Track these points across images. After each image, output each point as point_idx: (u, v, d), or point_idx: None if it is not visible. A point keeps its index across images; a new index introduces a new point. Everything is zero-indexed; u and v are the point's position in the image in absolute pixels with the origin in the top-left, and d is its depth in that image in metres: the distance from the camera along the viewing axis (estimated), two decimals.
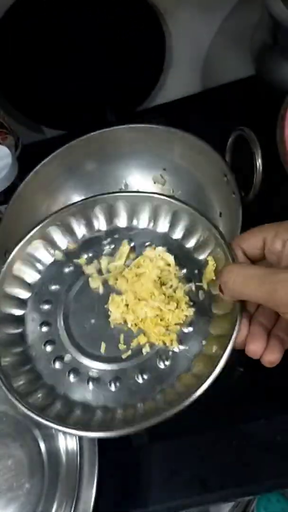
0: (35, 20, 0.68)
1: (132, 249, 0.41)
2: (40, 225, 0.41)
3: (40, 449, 0.57)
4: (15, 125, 0.76)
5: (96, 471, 0.51)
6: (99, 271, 0.41)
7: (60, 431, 0.37)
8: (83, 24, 0.68)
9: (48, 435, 0.57)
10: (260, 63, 0.64)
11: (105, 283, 0.40)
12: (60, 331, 0.39)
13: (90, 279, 0.41)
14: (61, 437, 0.56)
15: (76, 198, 0.62)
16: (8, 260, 0.40)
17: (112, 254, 0.41)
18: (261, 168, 0.47)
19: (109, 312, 0.39)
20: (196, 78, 0.77)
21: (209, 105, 0.74)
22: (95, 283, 0.40)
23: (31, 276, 0.42)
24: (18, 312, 0.41)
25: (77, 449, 0.52)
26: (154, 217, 0.40)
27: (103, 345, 0.38)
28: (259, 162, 0.47)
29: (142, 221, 0.41)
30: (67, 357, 0.39)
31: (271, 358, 0.33)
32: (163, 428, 0.54)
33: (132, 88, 0.76)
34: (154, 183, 0.62)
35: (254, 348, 0.33)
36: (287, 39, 0.57)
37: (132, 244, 0.41)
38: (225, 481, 0.51)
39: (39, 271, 0.42)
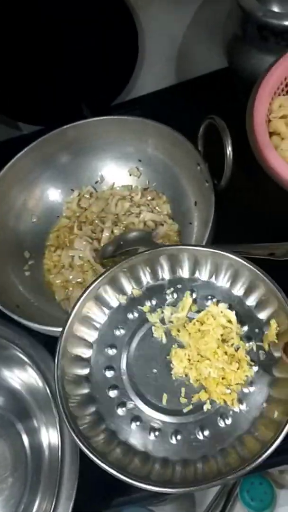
0: (6, 16, 0.68)
1: (194, 301, 0.41)
2: (110, 271, 0.41)
3: (23, 443, 0.57)
4: None
5: (78, 462, 0.51)
6: (162, 320, 0.41)
7: (121, 479, 0.36)
8: (56, 20, 0.68)
9: (31, 429, 0.57)
10: (231, 54, 0.65)
11: (167, 333, 0.41)
12: (124, 377, 0.40)
13: (153, 328, 0.41)
14: (43, 431, 0.56)
15: (52, 191, 0.62)
16: (79, 302, 0.40)
17: (174, 304, 0.41)
18: (231, 155, 0.48)
19: (171, 364, 0.40)
20: (170, 71, 0.78)
21: (183, 97, 0.74)
22: (158, 333, 0.41)
23: (98, 318, 0.42)
24: (85, 354, 0.41)
25: (58, 442, 0.52)
26: (216, 271, 0.41)
27: (164, 397, 0.39)
28: (229, 150, 0.48)
29: (205, 274, 0.41)
30: (130, 404, 0.39)
31: None
32: None
33: (106, 82, 0.76)
34: (130, 175, 0.62)
35: None
36: (257, 30, 0.58)
37: (194, 296, 0.41)
38: None
39: (105, 314, 0.42)
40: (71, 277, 0.57)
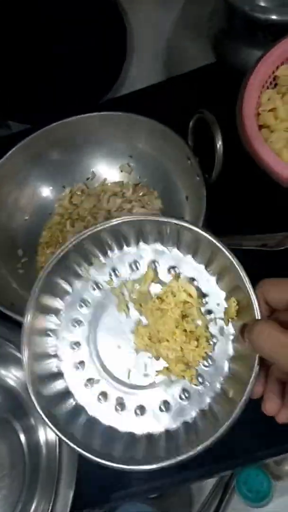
0: None
1: (157, 272, 0.40)
2: (73, 241, 0.39)
3: (20, 442, 0.57)
4: None
5: (76, 458, 0.52)
6: (125, 294, 0.41)
7: (86, 456, 0.37)
8: (43, 18, 0.68)
9: (28, 427, 0.57)
10: (219, 49, 0.66)
11: (131, 307, 0.41)
12: (90, 352, 0.40)
13: (116, 301, 0.41)
14: (40, 429, 0.56)
15: (44, 189, 0.62)
16: (45, 273, 0.39)
17: (137, 276, 0.41)
18: (221, 149, 0.48)
19: (134, 340, 0.40)
20: (158, 68, 0.78)
21: (172, 93, 0.74)
22: (121, 307, 0.40)
23: (63, 293, 0.41)
24: (51, 331, 0.41)
25: (56, 439, 0.52)
26: (178, 242, 0.40)
27: (129, 372, 0.39)
28: (219, 143, 0.48)
29: (168, 245, 0.40)
30: (96, 379, 0.40)
31: (286, 419, 0.34)
32: None
33: (95, 80, 0.76)
34: (121, 171, 0.63)
35: (270, 409, 0.34)
36: (244, 25, 0.58)
37: (156, 266, 0.41)
38: (206, 457, 0.52)
39: (69, 289, 0.41)
40: None
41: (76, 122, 0.59)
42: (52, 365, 0.40)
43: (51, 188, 0.62)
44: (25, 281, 0.58)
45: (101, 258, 0.41)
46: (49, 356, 0.40)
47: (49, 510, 0.49)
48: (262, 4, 0.64)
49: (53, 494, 0.50)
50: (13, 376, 0.59)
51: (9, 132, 0.82)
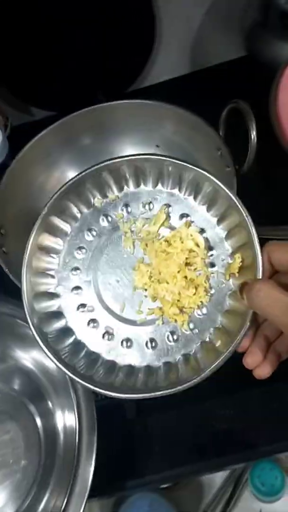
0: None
1: (169, 216, 0.41)
2: (92, 169, 0.40)
3: (36, 426, 0.57)
4: (3, 105, 0.75)
5: (95, 446, 0.51)
6: (134, 231, 0.41)
7: (87, 387, 0.38)
8: (72, 4, 0.67)
9: (45, 411, 0.57)
10: (251, 42, 0.65)
11: (136, 245, 0.41)
12: (87, 280, 0.41)
13: (123, 237, 0.41)
14: (58, 414, 0.56)
15: (71, 173, 0.62)
16: (55, 196, 0.41)
17: (148, 216, 0.41)
18: (255, 139, 0.48)
19: (134, 276, 0.41)
20: (186, 60, 0.77)
21: (201, 85, 0.74)
22: (127, 243, 0.41)
23: (71, 218, 0.42)
24: (53, 254, 0.42)
25: (76, 425, 0.51)
26: (195, 190, 0.40)
27: (123, 305, 0.40)
28: (253, 134, 0.48)
29: (185, 190, 0.41)
30: (89, 307, 0.41)
31: (263, 373, 0.36)
32: (159, 399, 0.55)
33: (121, 69, 0.76)
34: None
35: (251, 362, 0.36)
36: (278, 17, 0.58)
37: (170, 211, 0.41)
38: (221, 449, 0.52)
39: (79, 214, 0.42)
40: None
41: (106, 108, 0.58)
42: (49, 286, 0.41)
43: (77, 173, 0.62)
44: None
45: (116, 191, 0.41)
46: (47, 276, 0.41)
47: (67, 495, 0.49)
48: None
49: (71, 480, 0.49)
50: (31, 359, 0.59)
51: (32, 119, 0.82)
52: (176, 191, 0.41)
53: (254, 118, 0.48)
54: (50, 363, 0.55)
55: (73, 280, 0.41)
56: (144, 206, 0.41)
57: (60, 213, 0.41)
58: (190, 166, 0.38)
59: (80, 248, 0.42)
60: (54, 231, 0.41)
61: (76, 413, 0.51)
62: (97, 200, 0.42)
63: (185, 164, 0.39)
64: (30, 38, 0.70)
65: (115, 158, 0.39)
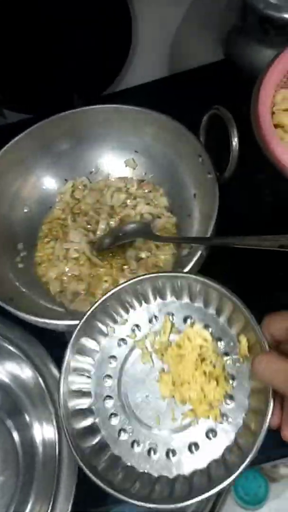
0: None
1: (173, 324, 0.43)
2: (99, 303, 0.43)
3: (13, 440, 0.55)
4: None
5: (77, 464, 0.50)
6: (148, 346, 0.43)
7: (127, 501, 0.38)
8: (47, 6, 0.65)
9: (22, 425, 0.55)
10: (229, 46, 0.65)
11: (154, 358, 0.43)
12: (121, 404, 0.42)
13: (140, 354, 0.43)
14: (36, 428, 0.55)
15: (46, 180, 0.60)
16: (74, 335, 0.42)
17: (156, 329, 0.44)
18: (237, 146, 0.47)
19: (159, 388, 0.42)
20: (163, 63, 0.76)
21: (180, 88, 0.73)
22: (146, 358, 0.43)
23: (92, 352, 0.44)
24: (85, 387, 0.43)
25: (55, 438, 0.50)
26: (190, 293, 0.43)
27: (157, 419, 0.41)
28: (235, 140, 0.47)
29: (182, 297, 0.43)
30: (129, 429, 0.42)
31: None
32: None
33: (98, 72, 0.74)
34: (126, 166, 0.61)
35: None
36: (257, 23, 0.58)
37: (173, 319, 0.43)
38: None
39: (97, 347, 0.44)
40: (66, 269, 0.56)
41: (83, 113, 0.57)
42: (87, 422, 0.42)
43: (53, 180, 0.61)
44: (25, 276, 0.56)
45: (124, 315, 0.44)
46: (84, 414, 0.42)
47: (50, 506, 0.48)
48: (277, 2, 0.63)
49: (53, 495, 0.48)
50: (6, 373, 0.57)
51: (5, 122, 0.80)
52: (173, 298, 0.44)
53: (235, 124, 0.47)
54: (26, 376, 0.54)
55: (107, 408, 0.42)
56: (150, 321, 0.44)
57: (80, 352, 0.43)
58: (176, 274, 0.42)
59: (106, 376, 0.43)
60: (78, 370, 0.43)
61: (55, 426, 0.50)
62: (109, 329, 0.44)
63: (170, 274, 0.42)
64: (1, 40, 0.68)
65: (115, 288, 0.42)
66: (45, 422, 0.54)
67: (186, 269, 0.47)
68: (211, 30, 0.68)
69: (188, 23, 0.71)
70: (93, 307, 0.42)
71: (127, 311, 0.44)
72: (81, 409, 0.42)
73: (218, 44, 0.67)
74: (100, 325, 0.44)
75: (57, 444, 0.50)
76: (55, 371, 0.53)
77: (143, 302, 0.44)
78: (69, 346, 0.42)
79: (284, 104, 0.50)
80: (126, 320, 0.44)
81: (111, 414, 0.42)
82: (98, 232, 0.57)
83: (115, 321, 0.44)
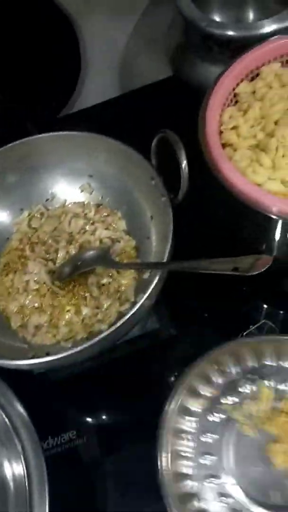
0: None
1: (271, 389, 0.41)
2: (183, 380, 0.42)
3: None
4: None
5: (47, 494, 0.49)
6: (247, 416, 0.41)
7: None
8: None
9: None
10: (176, 64, 0.65)
11: (256, 427, 0.40)
12: (230, 483, 0.39)
13: (241, 425, 0.41)
14: (6, 464, 0.53)
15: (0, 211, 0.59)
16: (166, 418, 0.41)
17: (253, 396, 0.41)
18: (187, 169, 0.47)
19: (270, 459, 0.39)
20: (114, 82, 0.76)
21: (130, 107, 0.73)
22: (247, 429, 0.40)
23: (188, 429, 0.42)
24: (186, 469, 0.41)
25: (24, 474, 0.49)
26: (279, 355, 0.41)
27: (272, 493, 0.38)
28: (184, 163, 0.47)
29: (271, 359, 0.42)
30: (242, 509, 0.39)
31: None
32: (115, 440, 0.53)
33: (50, 95, 0.74)
34: (82, 191, 0.60)
35: None
36: (201, 40, 0.58)
37: (270, 384, 0.41)
38: None
39: (192, 423, 0.42)
40: (27, 302, 0.55)
41: (34, 141, 0.56)
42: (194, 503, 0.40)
43: (7, 212, 0.59)
44: None
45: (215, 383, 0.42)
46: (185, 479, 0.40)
47: None
48: (218, 19, 0.64)
49: None
50: None
51: None
52: (265, 362, 0.42)
53: (183, 147, 0.47)
54: None
55: (214, 486, 0.40)
56: (244, 388, 0.42)
57: (178, 436, 0.41)
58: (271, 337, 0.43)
59: (207, 453, 0.41)
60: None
61: (23, 462, 0.48)
62: (200, 402, 0.42)
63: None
64: None
65: (196, 363, 0.42)
66: (13, 459, 0.52)
67: (147, 294, 0.46)
68: (158, 48, 0.68)
69: (135, 41, 0.72)
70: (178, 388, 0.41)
71: (213, 382, 0.42)
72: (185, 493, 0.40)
73: (166, 61, 0.68)
74: (190, 400, 0.42)
75: (26, 478, 0.48)
76: (20, 408, 0.51)
77: (231, 368, 0.42)
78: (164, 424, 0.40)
79: (231, 122, 0.50)
80: (216, 390, 0.42)
81: (220, 494, 0.39)
82: (58, 261, 0.56)
83: (202, 396, 0.42)
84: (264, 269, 0.36)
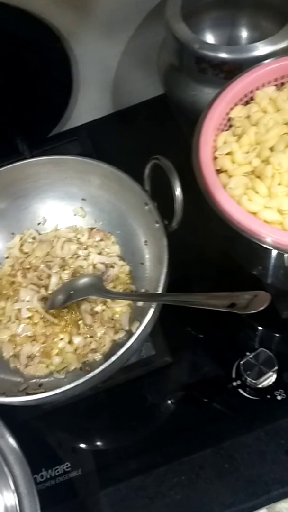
0: None
1: None
2: None
3: None
4: None
5: None
6: None
7: None
8: None
9: None
10: (168, 84, 0.64)
11: None
12: None
13: None
14: None
15: None
16: None
17: None
18: (181, 196, 0.46)
19: None
20: (106, 100, 0.76)
21: (122, 126, 0.73)
22: None
23: None
24: None
25: (16, 503, 0.47)
26: None
27: None
28: (178, 190, 0.46)
29: None
30: None
31: None
32: (110, 472, 0.52)
33: (41, 114, 0.72)
34: (75, 215, 0.59)
35: None
36: (191, 60, 0.57)
37: None
38: None
39: None
40: (19, 330, 0.53)
41: (24, 166, 0.55)
42: None
43: None
44: None
45: None
46: None
47: None
48: (212, 42, 0.63)
49: None
50: None
51: None
52: None
53: (177, 174, 0.46)
54: None
55: None
56: None
57: None
58: None
59: None
60: None
61: (14, 491, 0.47)
62: None
63: None
64: None
65: None
66: (4, 489, 0.51)
67: (143, 325, 0.44)
68: (151, 67, 0.67)
69: (127, 60, 0.71)
70: None
71: None
72: None
73: (157, 79, 0.67)
74: None
75: (18, 507, 0.46)
76: (12, 441, 0.50)
77: None
78: None
79: (226, 148, 0.49)
80: None
81: None
82: (51, 287, 0.55)
83: None
84: (263, 308, 0.35)
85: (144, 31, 0.68)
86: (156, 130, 0.70)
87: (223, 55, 0.55)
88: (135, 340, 0.43)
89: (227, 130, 0.51)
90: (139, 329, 0.44)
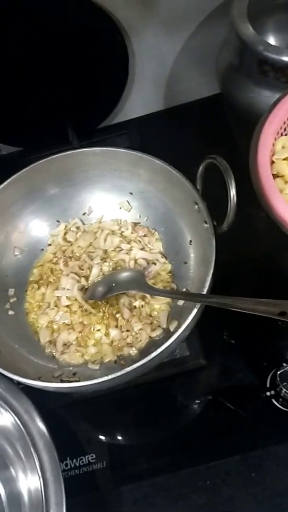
0: None
1: None
2: None
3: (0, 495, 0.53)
4: None
5: (64, 506, 0.47)
6: None
7: None
8: (45, 39, 0.64)
9: (7, 478, 0.53)
10: (225, 84, 0.63)
11: None
12: None
13: None
14: (22, 478, 0.52)
15: (37, 223, 0.58)
16: None
17: None
18: (235, 198, 0.45)
19: None
20: (159, 96, 0.75)
21: (174, 123, 0.72)
22: None
23: None
24: None
25: (41, 488, 0.47)
26: None
27: None
28: (233, 192, 0.45)
29: None
30: None
31: None
32: (134, 468, 0.52)
33: (94, 105, 0.73)
34: (120, 208, 0.59)
35: None
36: (254, 61, 0.56)
37: None
38: None
39: None
40: (57, 317, 0.54)
41: (76, 155, 0.55)
42: None
43: (45, 223, 0.59)
44: (13, 324, 0.53)
45: None
46: None
47: None
48: (276, 44, 0.62)
49: None
50: None
51: None
52: None
53: (233, 174, 0.45)
54: (11, 428, 0.52)
55: None
56: None
57: None
58: None
59: None
60: None
61: (40, 474, 0.47)
62: None
63: None
64: None
65: None
66: (30, 472, 0.51)
67: (185, 324, 0.44)
68: (208, 66, 0.67)
69: (185, 58, 0.70)
70: None
71: None
72: None
73: (214, 78, 0.66)
74: None
75: (43, 491, 0.47)
76: (41, 425, 0.50)
77: None
78: None
79: (284, 153, 0.48)
80: None
81: None
82: (91, 278, 0.55)
83: None
84: None
85: (204, 30, 0.67)
86: (206, 130, 0.69)
87: (286, 58, 0.54)
88: (176, 338, 0.43)
89: (286, 135, 0.50)
90: (180, 328, 0.43)
